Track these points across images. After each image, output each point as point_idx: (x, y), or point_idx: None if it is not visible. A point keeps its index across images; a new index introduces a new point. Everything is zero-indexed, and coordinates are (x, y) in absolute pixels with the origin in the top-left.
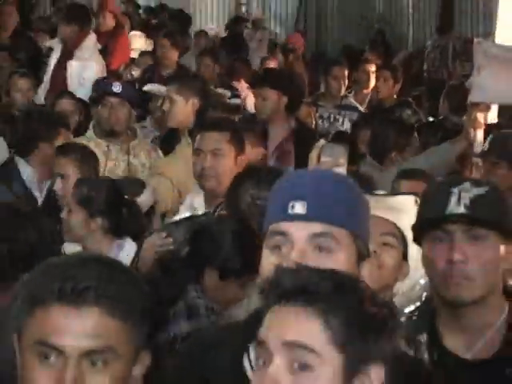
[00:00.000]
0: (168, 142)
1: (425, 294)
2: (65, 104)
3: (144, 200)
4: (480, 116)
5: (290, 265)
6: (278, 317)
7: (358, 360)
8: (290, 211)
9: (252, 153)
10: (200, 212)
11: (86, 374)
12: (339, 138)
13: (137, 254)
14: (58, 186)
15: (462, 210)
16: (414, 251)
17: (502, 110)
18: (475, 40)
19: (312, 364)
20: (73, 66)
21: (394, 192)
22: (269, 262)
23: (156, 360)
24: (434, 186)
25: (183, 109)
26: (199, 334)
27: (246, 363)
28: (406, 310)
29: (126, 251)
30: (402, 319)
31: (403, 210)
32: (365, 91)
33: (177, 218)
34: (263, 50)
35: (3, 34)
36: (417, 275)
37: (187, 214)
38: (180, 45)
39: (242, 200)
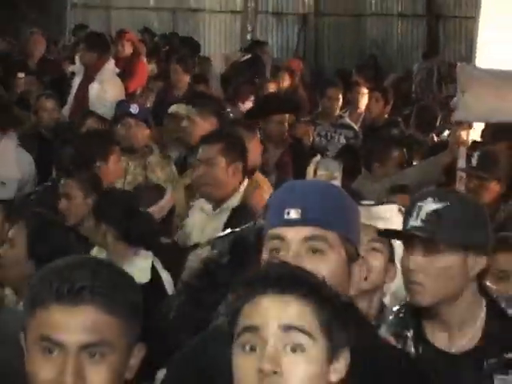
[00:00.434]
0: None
1: None
2: (91, 123)
3: (164, 204)
4: (463, 134)
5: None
6: (269, 303)
7: (337, 345)
8: (285, 217)
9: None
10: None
11: (85, 365)
12: (348, 151)
13: (175, 263)
14: (63, 205)
15: (418, 223)
16: (401, 254)
17: (485, 129)
18: (458, 64)
19: (305, 346)
20: (94, 88)
21: (379, 202)
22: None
23: None
24: (411, 200)
25: (202, 127)
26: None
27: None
28: (394, 308)
29: (142, 256)
30: (391, 317)
31: (386, 217)
32: (358, 111)
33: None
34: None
35: (31, 61)
36: None
37: (197, 216)
38: (191, 69)
39: None
